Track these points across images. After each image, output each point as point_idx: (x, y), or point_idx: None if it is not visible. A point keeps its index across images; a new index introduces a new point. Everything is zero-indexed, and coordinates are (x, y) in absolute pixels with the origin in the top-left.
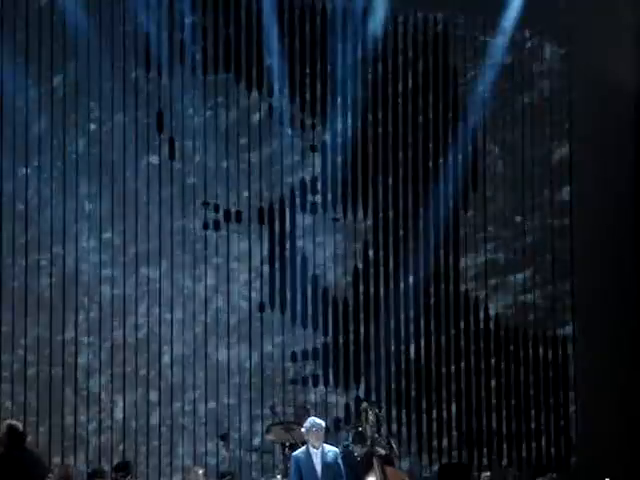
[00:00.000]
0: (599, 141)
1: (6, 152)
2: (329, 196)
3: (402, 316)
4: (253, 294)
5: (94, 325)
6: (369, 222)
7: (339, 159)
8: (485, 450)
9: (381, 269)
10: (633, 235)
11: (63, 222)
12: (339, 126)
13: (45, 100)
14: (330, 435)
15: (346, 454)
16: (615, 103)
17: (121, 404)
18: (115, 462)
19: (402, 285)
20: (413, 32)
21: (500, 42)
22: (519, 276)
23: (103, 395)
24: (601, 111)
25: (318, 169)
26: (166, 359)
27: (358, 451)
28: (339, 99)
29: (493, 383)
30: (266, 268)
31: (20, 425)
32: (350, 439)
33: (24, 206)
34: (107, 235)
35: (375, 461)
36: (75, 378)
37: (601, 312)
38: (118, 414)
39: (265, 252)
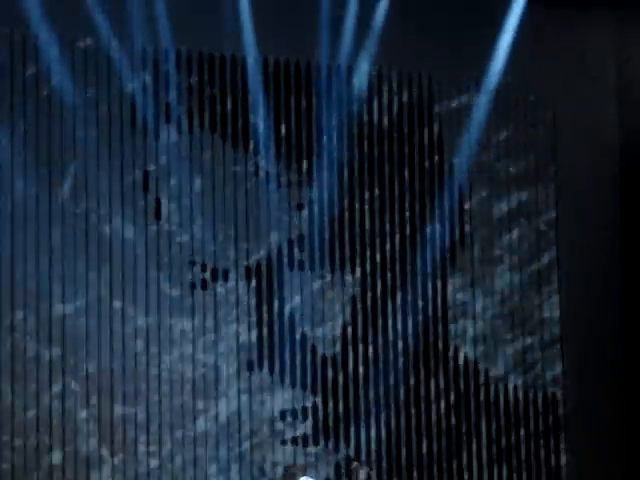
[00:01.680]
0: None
1: None
2: (316, 254)
3: (392, 376)
4: (241, 353)
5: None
6: (357, 280)
7: (326, 217)
8: None
9: (370, 328)
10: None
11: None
12: (325, 184)
13: (30, 160)
14: None
15: None
16: (600, 163)
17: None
18: None
19: (391, 345)
20: (397, 90)
21: (483, 102)
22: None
23: None
24: (587, 170)
25: (305, 227)
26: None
27: None
28: (325, 157)
29: (485, 442)
30: (254, 326)
31: None
32: None
33: None
34: (92, 292)
35: None
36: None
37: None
38: None
39: (252, 310)
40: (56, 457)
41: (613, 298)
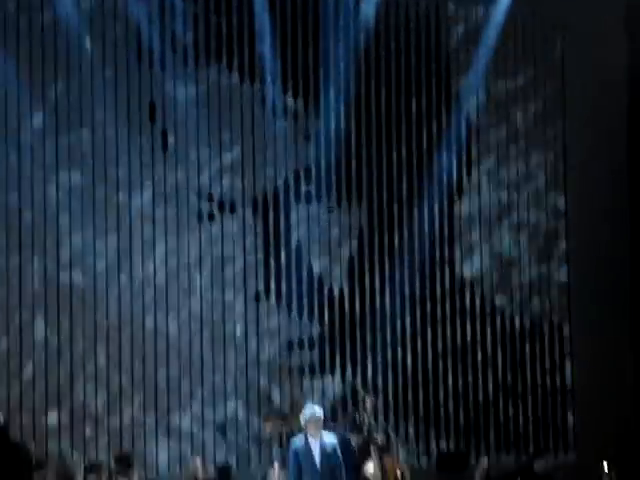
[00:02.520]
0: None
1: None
2: (323, 185)
3: (397, 303)
4: (249, 283)
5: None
6: (364, 210)
7: (332, 148)
8: (482, 435)
9: (376, 257)
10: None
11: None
12: (332, 115)
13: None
14: (327, 424)
15: (344, 443)
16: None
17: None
18: (114, 453)
19: (397, 273)
20: (404, 18)
21: (492, 26)
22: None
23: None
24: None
25: (312, 158)
26: (161, 347)
27: (355, 439)
28: (332, 88)
29: (490, 371)
30: (261, 257)
31: None
32: (347, 427)
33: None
34: (101, 222)
35: (372, 449)
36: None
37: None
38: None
39: (259, 242)
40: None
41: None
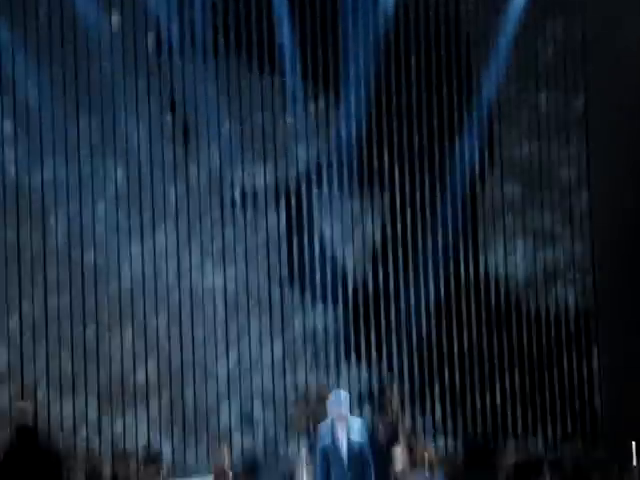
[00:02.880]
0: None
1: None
2: (345, 175)
3: (422, 293)
4: (272, 271)
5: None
6: (386, 198)
7: (354, 136)
8: (510, 420)
9: (399, 245)
10: None
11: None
12: (353, 103)
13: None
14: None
15: (371, 431)
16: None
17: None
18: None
19: (421, 261)
20: (424, 8)
21: (512, 16)
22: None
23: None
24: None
25: (333, 150)
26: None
27: (383, 427)
28: (352, 76)
29: (516, 357)
30: (284, 245)
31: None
32: (375, 413)
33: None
34: (124, 213)
35: (400, 434)
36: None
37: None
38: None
39: (283, 229)
40: None
41: None
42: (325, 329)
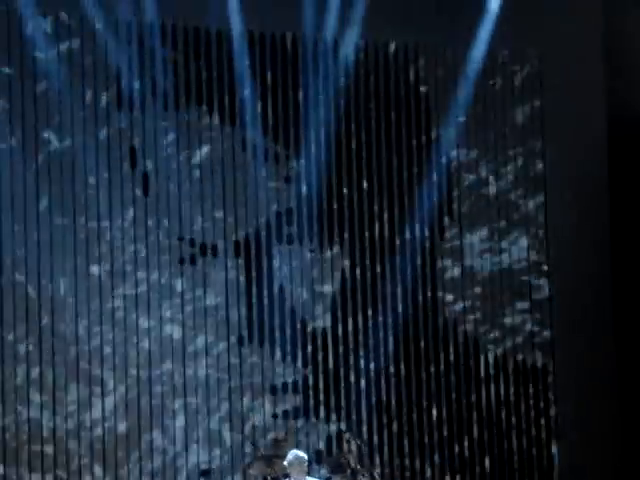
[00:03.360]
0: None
1: None
2: (305, 227)
3: (382, 348)
4: (231, 327)
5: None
6: (346, 253)
7: (314, 189)
8: (468, 476)
9: (359, 300)
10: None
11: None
12: (313, 157)
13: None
14: (312, 467)
15: None
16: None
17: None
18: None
19: (381, 316)
20: (384, 59)
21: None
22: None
23: None
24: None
25: (293, 200)
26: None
27: None
28: (312, 129)
29: (475, 414)
30: (243, 301)
31: None
32: (332, 470)
33: None
34: (82, 268)
35: None
36: None
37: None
38: None
39: (242, 285)
40: None
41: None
42: (284, 387)
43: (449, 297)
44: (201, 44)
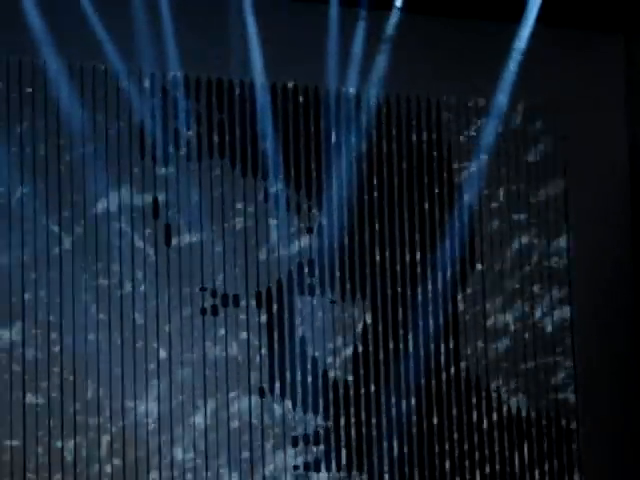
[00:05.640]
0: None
1: None
2: (326, 278)
3: (403, 399)
4: (252, 379)
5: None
6: (367, 304)
7: (336, 241)
8: None
9: (380, 351)
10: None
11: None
12: (335, 208)
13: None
14: None
15: None
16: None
17: None
18: None
19: (402, 367)
20: (407, 114)
21: (492, 125)
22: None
23: None
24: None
25: (315, 251)
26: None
27: None
28: (334, 181)
29: (497, 467)
30: (264, 352)
31: None
32: None
33: None
34: (104, 316)
35: None
36: None
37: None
38: None
39: (263, 336)
40: None
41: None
42: (305, 438)
43: (472, 349)
44: (224, 96)
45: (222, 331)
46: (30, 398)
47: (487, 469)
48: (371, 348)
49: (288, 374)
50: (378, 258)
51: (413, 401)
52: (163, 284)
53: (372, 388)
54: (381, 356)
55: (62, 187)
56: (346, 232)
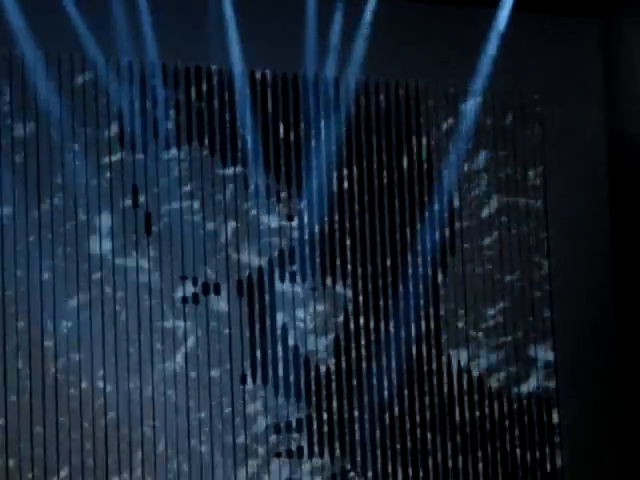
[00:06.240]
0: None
1: None
2: (307, 265)
3: (385, 384)
4: (235, 366)
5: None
6: (349, 290)
7: (316, 228)
8: None
9: (362, 337)
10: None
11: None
12: (315, 195)
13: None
14: None
15: None
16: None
17: None
18: None
19: (384, 354)
20: (385, 98)
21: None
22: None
23: None
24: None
25: (296, 240)
26: (147, 432)
27: None
28: (314, 168)
29: (479, 453)
30: (246, 340)
31: None
32: None
33: None
34: (84, 298)
35: None
36: None
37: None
38: None
39: (245, 324)
40: None
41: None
42: (287, 424)
43: (453, 337)
44: (202, 83)
45: (203, 319)
46: None
47: (470, 454)
48: (352, 335)
49: (270, 362)
50: (359, 245)
51: (395, 385)
52: (144, 272)
53: (354, 375)
54: (363, 343)
55: (41, 175)
56: (327, 219)
